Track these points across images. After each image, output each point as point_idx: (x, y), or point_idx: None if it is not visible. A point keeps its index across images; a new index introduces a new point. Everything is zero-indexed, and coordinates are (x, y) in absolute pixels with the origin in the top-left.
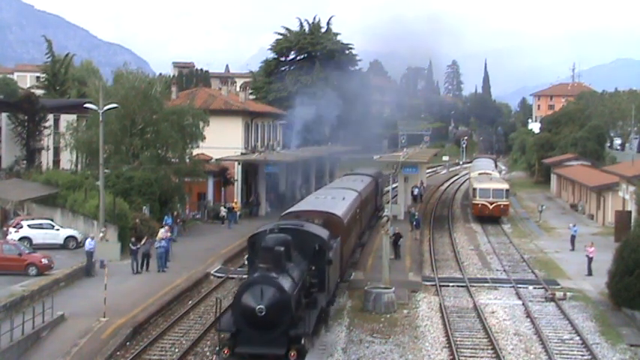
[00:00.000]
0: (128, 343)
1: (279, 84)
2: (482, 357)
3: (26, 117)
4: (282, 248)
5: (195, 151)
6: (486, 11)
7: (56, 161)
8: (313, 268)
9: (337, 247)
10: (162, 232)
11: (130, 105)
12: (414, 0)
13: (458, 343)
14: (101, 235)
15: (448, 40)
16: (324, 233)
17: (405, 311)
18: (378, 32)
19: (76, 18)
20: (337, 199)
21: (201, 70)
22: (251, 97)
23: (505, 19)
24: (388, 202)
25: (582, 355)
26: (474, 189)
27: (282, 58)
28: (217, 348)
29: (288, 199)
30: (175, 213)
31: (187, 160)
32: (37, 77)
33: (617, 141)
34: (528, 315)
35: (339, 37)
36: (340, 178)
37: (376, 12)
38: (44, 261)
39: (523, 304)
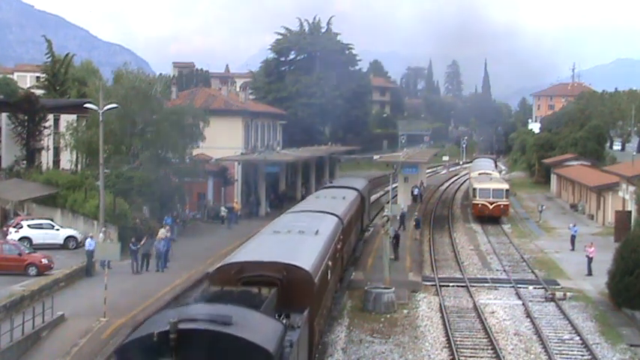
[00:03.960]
0: None
1: (279, 84)
2: (482, 357)
3: (26, 117)
4: None
5: (195, 151)
6: (486, 12)
7: (56, 161)
8: None
9: (303, 334)
10: (162, 232)
11: (130, 105)
12: (414, 1)
13: (458, 343)
14: (101, 235)
15: (448, 40)
16: (272, 337)
17: (405, 311)
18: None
19: (76, 18)
20: (307, 235)
21: (201, 70)
22: (251, 97)
23: (504, 19)
24: (388, 202)
25: (582, 355)
26: (474, 189)
27: (282, 58)
28: None
29: (288, 198)
30: (175, 213)
31: (187, 160)
32: (37, 77)
33: (617, 146)
34: (528, 315)
35: (339, 37)
36: (316, 193)
37: (377, 12)
38: (44, 261)
39: (523, 304)
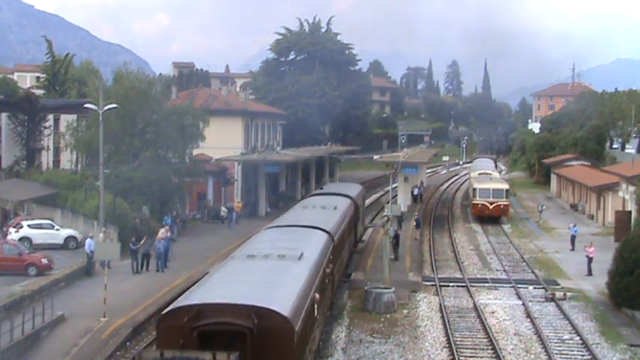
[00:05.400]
0: (128, 343)
1: (279, 84)
2: (482, 357)
3: (26, 117)
4: None
5: (195, 151)
6: (486, 11)
7: (56, 161)
8: None
9: None
10: (162, 232)
11: (130, 105)
12: (414, 2)
13: (458, 343)
14: (101, 235)
15: (448, 40)
16: None
17: (405, 311)
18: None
19: (76, 18)
20: (289, 260)
21: (201, 70)
22: (251, 97)
23: (504, 18)
24: (388, 202)
25: (582, 355)
26: (474, 189)
27: (282, 58)
28: None
29: (287, 198)
30: (175, 213)
31: (187, 160)
32: (37, 77)
33: (616, 146)
34: (528, 315)
35: (339, 37)
36: (304, 202)
37: (377, 12)
38: (44, 261)
39: (523, 304)
